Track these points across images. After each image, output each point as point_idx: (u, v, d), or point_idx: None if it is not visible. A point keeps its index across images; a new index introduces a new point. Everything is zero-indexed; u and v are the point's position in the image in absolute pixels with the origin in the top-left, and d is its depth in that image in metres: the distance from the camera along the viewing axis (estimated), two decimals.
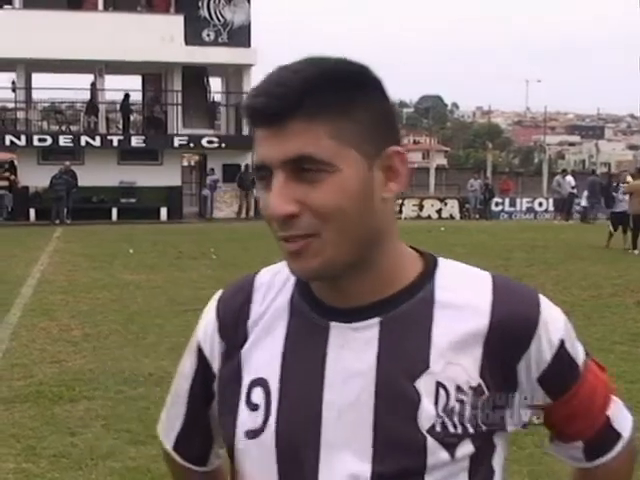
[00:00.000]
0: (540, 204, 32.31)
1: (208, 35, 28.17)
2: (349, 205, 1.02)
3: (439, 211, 30.58)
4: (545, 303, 1.12)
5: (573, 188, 29.14)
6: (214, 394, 1.21)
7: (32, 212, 26.26)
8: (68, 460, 4.87)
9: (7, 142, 26.49)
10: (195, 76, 28.48)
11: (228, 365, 1.17)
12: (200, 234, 20.88)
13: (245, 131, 28.31)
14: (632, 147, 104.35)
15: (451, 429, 1.07)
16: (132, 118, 29.86)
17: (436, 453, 1.06)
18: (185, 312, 9.59)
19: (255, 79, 28.40)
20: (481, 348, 1.08)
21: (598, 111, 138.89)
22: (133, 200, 27.00)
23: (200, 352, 1.22)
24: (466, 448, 1.08)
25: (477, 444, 1.08)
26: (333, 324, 1.11)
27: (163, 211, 27.15)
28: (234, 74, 29.53)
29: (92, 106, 28.17)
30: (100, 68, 27.81)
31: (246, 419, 1.13)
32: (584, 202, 28.30)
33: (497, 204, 31.89)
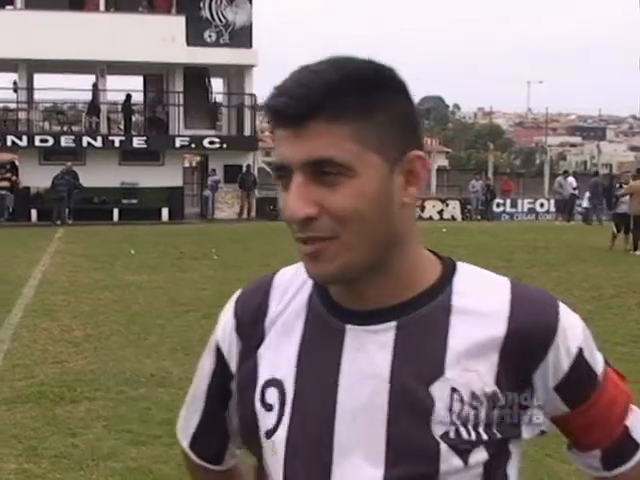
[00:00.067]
0: (541, 205, 32.29)
1: (210, 36, 28.17)
2: (367, 209, 1.02)
3: (440, 212, 30.56)
4: (564, 311, 1.11)
5: (575, 189, 29.14)
6: (231, 393, 1.22)
7: (34, 213, 26.25)
8: (69, 461, 4.87)
9: (9, 142, 26.50)
10: (196, 77, 28.49)
11: (245, 364, 1.17)
12: (201, 235, 20.88)
13: (246, 132, 28.36)
14: (634, 148, 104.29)
15: (465, 436, 1.06)
16: (134, 119, 29.89)
17: (449, 459, 1.06)
18: (186, 312, 9.61)
19: (257, 80, 28.53)
20: (497, 355, 1.07)
21: (600, 112, 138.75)
22: (134, 201, 27.00)
23: (218, 351, 1.22)
24: (480, 455, 1.07)
25: (491, 451, 1.07)
26: (349, 327, 1.10)
27: (164, 212, 27.14)
28: (236, 75, 29.53)
29: (94, 107, 28.18)
30: (102, 69, 27.81)
31: (261, 419, 1.13)
32: (586, 203, 28.30)
33: (498, 205, 31.87)
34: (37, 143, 26.59)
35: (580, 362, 1.11)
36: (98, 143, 26.97)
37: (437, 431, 1.05)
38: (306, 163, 1.01)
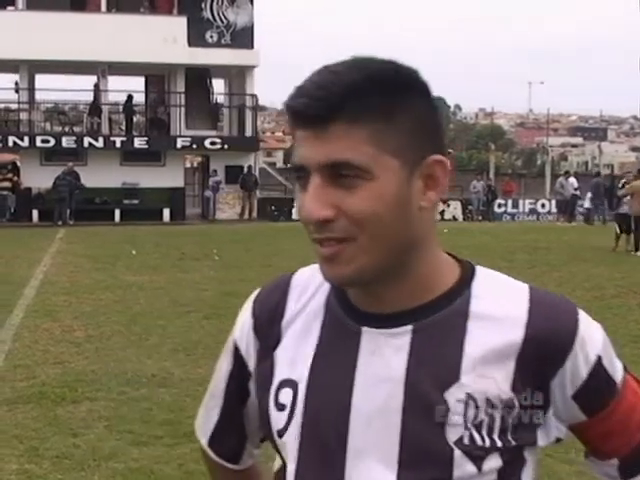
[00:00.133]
0: (543, 206, 32.27)
1: (211, 36, 28.18)
2: (384, 212, 1.01)
3: (442, 212, 30.50)
4: (584, 318, 1.10)
5: (576, 190, 29.11)
6: (249, 393, 1.22)
7: (35, 213, 26.26)
8: (71, 461, 4.87)
9: (10, 143, 26.52)
10: (198, 77, 28.50)
11: (262, 364, 1.18)
12: (203, 235, 20.89)
13: (248, 132, 28.37)
14: (635, 149, 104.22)
15: (479, 442, 1.05)
16: (135, 119, 29.89)
17: (463, 465, 1.05)
18: (188, 313, 9.61)
19: (258, 80, 28.55)
20: (514, 362, 1.06)
21: (601, 113, 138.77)
22: (136, 201, 27.01)
23: (236, 350, 1.23)
24: (494, 462, 1.06)
25: (505, 458, 1.07)
26: (365, 329, 1.10)
27: (166, 212, 27.14)
28: (237, 75, 29.54)
29: (95, 107, 28.19)
30: (103, 69, 27.82)
31: (273, 418, 1.14)
32: (587, 204, 28.29)
33: (500, 205, 31.85)
34: (38, 144, 26.61)
35: (599, 370, 1.10)
36: (99, 144, 26.99)
37: (451, 437, 1.05)
38: (324, 165, 1.01)
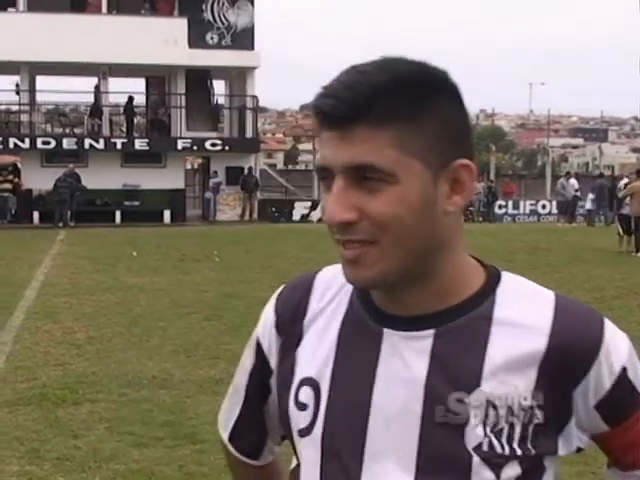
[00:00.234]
0: (543, 207, 32.27)
1: (212, 38, 28.20)
2: (408, 216, 1.01)
3: None
4: (609, 328, 1.09)
5: (577, 191, 29.11)
6: (271, 389, 1.22)
7: (36, 215, 26.26)
8: (71, 463, 4.87)
9: (11, 145, 26.54)
10: (198, 79, 28.51)
11: (284, 362, 1.18)
12: (203, 237, 20.90)
13: (248, 134, 28.39)
14: (635, 150, 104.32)
15: (498, 449, 1.04)
16: (136, 121, 29.90)
17: (481, 472, 1.04)
18: (188, 315, 9.61)
19: (258, 81, 28.55)
20: (537, 370, 1.05)
21: (602, 114, 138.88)
22: (136, 203, 27.02)
23: (259, 347, 1.23)
24: (512, 470, 1.05)
25: (524, 466, 1.05)
26: (387, 331, 1.09)
27: (166, 214, 27.15)
28: (238, 77, 29.56)
29: (96, 109, 28.22)
30: (104, 71, 27.83)
31: (294, 417, 1.13)
32: (588, 205, 28.28)
33: (500, 207, 31.87)
34: (39, 145, 26.63)
35: (623, 381, 1.08)
36: (100, 145, 27.01)
37: (470, 443, 1.04)
38: (348, 167, 1.00)
